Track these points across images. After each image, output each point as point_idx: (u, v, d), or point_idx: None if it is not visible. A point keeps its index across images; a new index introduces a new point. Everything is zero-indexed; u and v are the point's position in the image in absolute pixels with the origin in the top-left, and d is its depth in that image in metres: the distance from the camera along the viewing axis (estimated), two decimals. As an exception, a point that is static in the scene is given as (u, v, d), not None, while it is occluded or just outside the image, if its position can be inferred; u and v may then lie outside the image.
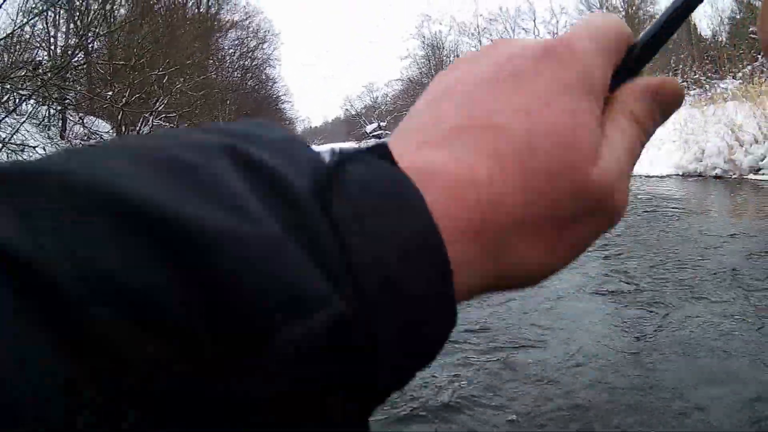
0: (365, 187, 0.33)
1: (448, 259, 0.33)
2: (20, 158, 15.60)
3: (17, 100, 15.43)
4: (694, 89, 28.97)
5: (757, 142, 15.65)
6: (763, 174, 15.00)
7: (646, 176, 19.11)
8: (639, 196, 15.37)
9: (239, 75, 48.81)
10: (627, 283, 7.55)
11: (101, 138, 21.29)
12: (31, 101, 18.15)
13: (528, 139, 0.38)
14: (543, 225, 0.39)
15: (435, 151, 0.38)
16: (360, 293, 0.30)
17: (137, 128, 23.78)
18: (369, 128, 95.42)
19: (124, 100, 21.26)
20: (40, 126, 19.56)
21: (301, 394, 0.28)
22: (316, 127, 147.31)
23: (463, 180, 0.36)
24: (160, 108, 24.12)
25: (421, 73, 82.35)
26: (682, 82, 32.08)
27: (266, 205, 0.29)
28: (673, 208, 13.11)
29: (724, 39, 33.52)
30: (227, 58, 46.29)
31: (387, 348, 0.31)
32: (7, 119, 14.37)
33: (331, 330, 0.28)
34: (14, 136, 13.55)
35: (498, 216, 0.36)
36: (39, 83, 15.55)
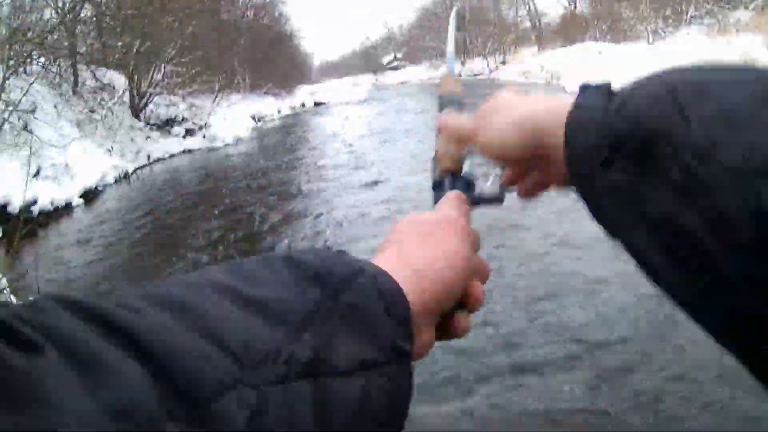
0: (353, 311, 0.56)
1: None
2: (32, 119, 15.89)
3: (25, 59, 15.41)
4: (707, 18, 28.62)
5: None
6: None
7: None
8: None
9: (251, 14, 48.28)
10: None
11: (113, 88, 21.33)
12: (41, 60, 18.20)
13: (433, 265, 0.66)
14: (434, 318, 0.66)
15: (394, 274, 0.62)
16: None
17: (150, 75, 23.73)
18: (385, 60, 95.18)
19: (134, 49, 21.22)
20: (51, 84, 19.44)
21: None
22: (332, 61, 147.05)
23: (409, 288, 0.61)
24: (173, 53, 24.00)
25: (434, 3, 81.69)
26: (696, 12, 31.90)
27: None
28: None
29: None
30: (239, -2, 45.72)
31: None
32: (15, 81, 14.38)
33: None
34: (24, 98, 13.54)
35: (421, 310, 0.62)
36: (41, 42, 15.50)
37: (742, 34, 17.90)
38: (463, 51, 75.38)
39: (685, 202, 0.49)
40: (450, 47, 1.28)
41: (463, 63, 73.62)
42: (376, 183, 12.22)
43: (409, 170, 12.85)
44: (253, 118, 33.94)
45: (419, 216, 0.75)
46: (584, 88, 0.67)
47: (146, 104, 23.82)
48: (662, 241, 0.53)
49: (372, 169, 14.12)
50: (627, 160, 0.56)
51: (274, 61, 45.89)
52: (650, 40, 32.52)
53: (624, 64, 27.44)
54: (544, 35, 63.03)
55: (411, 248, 0.68)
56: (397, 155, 15.61)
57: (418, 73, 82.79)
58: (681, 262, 0.51)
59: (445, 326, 0.69)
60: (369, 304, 0.56)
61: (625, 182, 0.56)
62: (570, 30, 51.88)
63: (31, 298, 0.46)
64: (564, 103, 0.68)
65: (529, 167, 0.81)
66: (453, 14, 1.13)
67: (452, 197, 0.83)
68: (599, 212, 0.63)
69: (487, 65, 67.10)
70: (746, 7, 26.05)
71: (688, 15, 31.86)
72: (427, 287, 0.63)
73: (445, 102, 1.04)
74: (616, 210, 0.59)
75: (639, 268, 0.58)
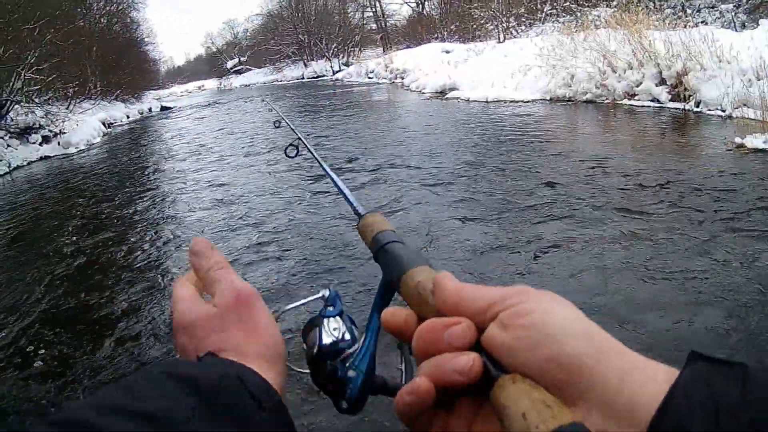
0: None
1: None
2: None
3: None
4: (564, 16, 29.35)
5: (631, 68, 15.77)
6: (638, 99, 15.29)
7: (511, 101, 18.90)
8: (505, 119, 15.51)
9: (105, 21, 47.64)
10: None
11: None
12: None
13: (275, 348, 0.75)
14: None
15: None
16: None
17: (11, 83, 23.10)
18: (230, 64, 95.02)
19: (-1, 56, 20.61)
20: None
21: None
22: (179, 66, 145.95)
23: None
24: (32, 61, 23.42)
25: (281, 6, 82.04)
26: (552, 9, 32.74)
27: None
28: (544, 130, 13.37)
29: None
30: (94, 4, 45.20)
31: None
32: None
33: None
34: None
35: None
36: None
37: (602, 30, 18.42)
38: (306, 53, 75.87)
39: None
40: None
41: (305, 65, 74.16)
42: (218, 182, 12.47)
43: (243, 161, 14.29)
44: (104, 123, 33.73)
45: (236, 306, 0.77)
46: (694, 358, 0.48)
47: (7, 112, 23.22)
48: None
49: (211, 164, 15.02)
50: None
51: (124, 67, 45.76)
52: (501, 38, 32.52)
53: (472, 62, 28.11)
54: (390, 37, 63.94)
55: (249, 337, 0.75)
56: (230, 149, 17.21)
57: (262, 76, 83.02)
58: None
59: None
60: (241, 402, 0.62)
61: None
62: (417, 31, 52.66)
63: None
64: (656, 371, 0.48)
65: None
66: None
67: None
68: None
69: (331, 67, 67.56)
70: (608, 5, 26.91)
71: (544, 13, 32.67)
72: (280, 368, 0.74)
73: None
74: None
75: None
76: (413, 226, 7.36)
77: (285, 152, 2.60)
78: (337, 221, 8.05)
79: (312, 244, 7.36)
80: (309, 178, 11.01)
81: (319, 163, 1.54)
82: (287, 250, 7.27)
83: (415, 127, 16.09)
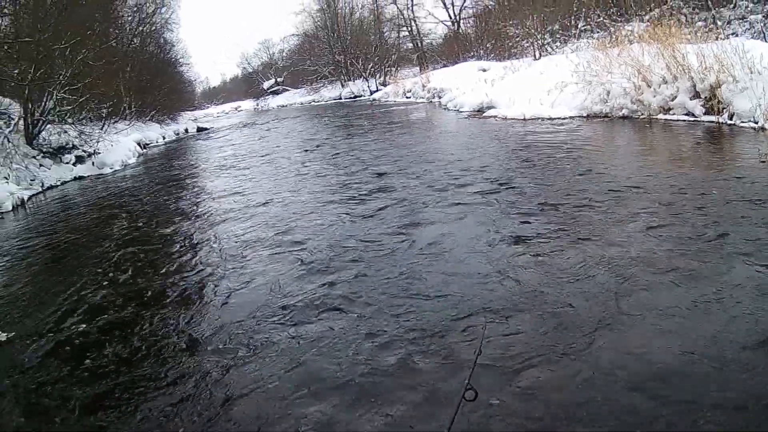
0: None
1: None
2: None
3: None
4: (598, 32, 29.44)
5: (666, 82, 15.85)
6: (673, 114, 15.44)
7: (548, 118, 19.12)
8: (542, 137, 15.65)
9: (138, 41, 48.03)
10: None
11: (9, 118, 20.92)
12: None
13: None
14: None
15: None
16: None
17: (43, 103, 23.37)
18: (266, 85, 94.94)
19: (29, 76, 20.84)
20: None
21: None
22: (215, 87, 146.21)
23: None
24: (64, 81, 23.68)
25: (316, 26, 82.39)
26: (586, 25, 32.82)
27: None
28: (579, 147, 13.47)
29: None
30: (126, 26, 45.54)
31: None
32: None
33: None
34: None
35: None
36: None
37: (635, 45, 18.55)
38: (343, 73, 76.08)
39: None
40: None
41: (342, 85, 74.37)
42: (255, 204, 12.23)
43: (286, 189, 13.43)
44: (139, 144, 34.05)
45: None
46: None
47: (39, 132, 23.42)
48: None
49: (249, 188, 14.52)
50: None
51: (158, 87, 45.71)
52: (537, 55, 32.57)
53: (509, 80, 28.12)
54: (426, 56, 64.09)
55: None
56: (269, 170, 16.95)
57: (299, 96, 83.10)
58: None
59: None
60: None
61: None
62: (453, 49, 52.79)
63: None
64: None
65: None
66: None
67: None
68: None
69: (368, 87, 67.74)
70: (641, 20, 27.00)
71: (578, 29, 32.76)
72: None
73: None
74: None
75: None
76: (464, 242, 7.47)
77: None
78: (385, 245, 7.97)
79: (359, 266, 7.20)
80: (357, 202, 10.90)
81: None
82: (331, 273, 7.10)
83: (455, 146, 16.34)
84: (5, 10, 21.54)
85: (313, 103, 71.66)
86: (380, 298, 6.06)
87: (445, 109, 31.03)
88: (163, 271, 8.50)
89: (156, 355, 5.58)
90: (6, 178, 18.80)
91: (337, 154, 18.42)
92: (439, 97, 36.03)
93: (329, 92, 75.25)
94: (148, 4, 49.96)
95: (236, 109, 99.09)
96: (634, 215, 7.54)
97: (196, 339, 5.82)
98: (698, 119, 14.64)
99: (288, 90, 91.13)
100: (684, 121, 14.95)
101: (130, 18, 46.85)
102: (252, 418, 4.28)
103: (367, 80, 69.39)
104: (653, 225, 7.04)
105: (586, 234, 7.11)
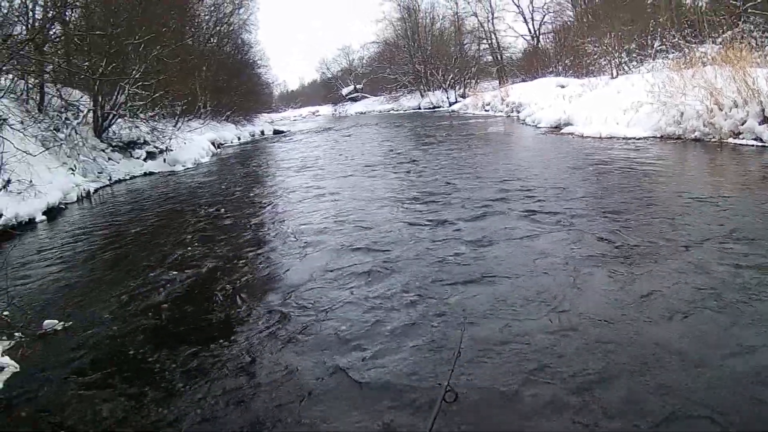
0: None
1: None
2: (6, 129, 15.83)
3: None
4: (673, 52, 29.00)
5: (737, 105, 15.66)
6: (743, 138, 15.13)
7: (623, 137, 19.21)
8: (620, 158, 15.39)
9: (215, 41, 48.58)
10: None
11: (78, 110, 21.21)
12: (9, 76, 18.04)
13: None
14: None
15: None
16: None
17: (114, 97, 23.67)
18: (345, 91, 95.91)
19: (100, 69, 21.11)
20: (18, 100, 19.44)
21: None
22: (292, 90, 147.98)
23: None
24: (137, 76, 23.95)
25: (397, 35, 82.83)
26: (661, 45, 32.36)
27: None
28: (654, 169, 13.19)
29: (704, 5, 33.10)
30: (203, 25, 46.08)
31: None
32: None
33: None
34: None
35: None
36: (9, 54, 15.41)
37: (708, 67, 18.20)
38: (423, 83, 76.24)
39: None
40: None
41: (422, 95, 74.50)
42: (336, 214, 11.56)
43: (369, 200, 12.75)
44: (213, 143, 34.24)
45: None
46: None
47: (109, 125, 23.75)
48: None
49: (328, 194, 14.08)
50: None
51: (235, 88, 46.12)
52: (614, 74, 32.46)
53: (586, 97, 27.95)
54: (505, 69, 63.86)
55: None
56: (349, 177, 16.69)
57: (378, 104, 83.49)
58: None
59: None
60: None
61: None
62: (532, 64, 52.46)
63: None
64: None
65: None
66: None
67: None
68: None
69: (447, 98, 67.76)
70: (714, 42, 26.54)
71: (654, 49, 32.34)
72: None
73: None
74: None
75: None
76: (542, 261, 7.33)
77: None
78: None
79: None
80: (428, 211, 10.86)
81: None
82: (395, 272, 7.29)
83: (534, 163, 16.49)
84: (77, 3, 21.78)
85: (392, 112, 72.15)
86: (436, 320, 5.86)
87: (522, 123, 31.64)
88: (230, 265, 8.57)
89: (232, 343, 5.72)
90: (72, 169, 19.09)
91: (416, 161, 18.99)
92: (518, 112, 36.50)
93: (408, 101, 75.62)
94: (225, 4, 50.46)
95: (314, 113, 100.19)
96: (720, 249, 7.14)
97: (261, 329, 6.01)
98: (766, 145, 14.34)
99: (367, 97, 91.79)
100: (752, 146, 15.00)
101: (207, 17, 47.29)
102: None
103: (446, 91, 69.67)
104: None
105: (674, 258, 6.91)
